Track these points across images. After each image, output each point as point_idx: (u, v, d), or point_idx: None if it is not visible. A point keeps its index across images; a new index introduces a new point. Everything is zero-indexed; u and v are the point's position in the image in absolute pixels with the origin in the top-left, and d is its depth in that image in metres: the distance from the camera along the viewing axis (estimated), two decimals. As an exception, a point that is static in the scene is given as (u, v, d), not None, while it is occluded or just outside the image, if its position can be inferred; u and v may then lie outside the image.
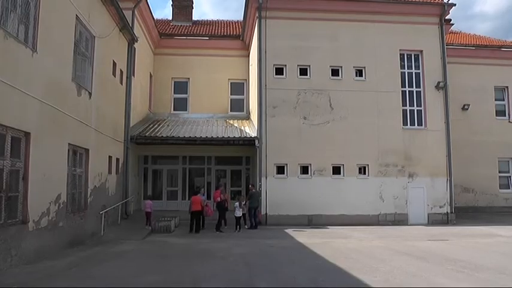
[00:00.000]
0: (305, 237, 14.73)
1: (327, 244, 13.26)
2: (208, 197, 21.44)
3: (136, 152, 20.96)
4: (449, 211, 20.03)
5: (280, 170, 19.18)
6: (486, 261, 10.46)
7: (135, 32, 18.78)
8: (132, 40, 18.75)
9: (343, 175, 19.44)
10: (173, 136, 19.52)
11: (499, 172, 26.56)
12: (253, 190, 18.34)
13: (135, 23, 19.12)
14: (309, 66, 19.75)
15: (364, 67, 20.06)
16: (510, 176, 26.77)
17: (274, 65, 19.59)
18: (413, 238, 14.96)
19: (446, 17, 21.41)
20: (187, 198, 20.95)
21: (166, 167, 23.03)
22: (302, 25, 19.87)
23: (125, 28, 17.66)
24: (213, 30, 25.75)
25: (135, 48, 19.31)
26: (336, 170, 19.44)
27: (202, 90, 23.66)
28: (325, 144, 19.25)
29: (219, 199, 17.16)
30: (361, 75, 20.11)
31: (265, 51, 19.57)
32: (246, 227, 17.45)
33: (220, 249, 12.24)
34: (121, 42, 17.88)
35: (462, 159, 23.03)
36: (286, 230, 16.45)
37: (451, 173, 20.30)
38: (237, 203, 17.29)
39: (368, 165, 19.62)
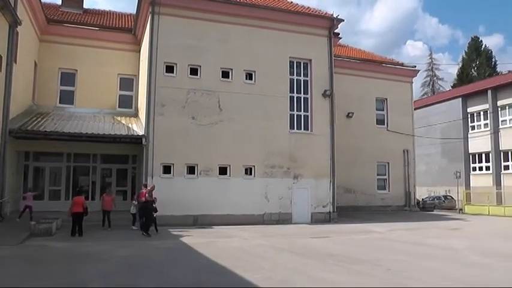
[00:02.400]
0: (190, 237, 14.82)
1: (212, 244, 13.48)
2: (92, 198, 20.96)
3: (16, 147, 19.47)
4: (331, 210, 21.53)
5: (167, 169, 19.05)
6: (362, 255, 11.64)
7: (18, 14, 17.34)
8: (14, 22, 17.26)
9: (230, 175, 19.87)
10: (57, 131, 18.42)
11: (377, 175, 29.64)
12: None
13: (18, 3, 17.67)
14: (200, 66, 19.87)
15: (254, 71, 20.71)
16: (386, 179, 29.64)
17: (164, 62, 19.38)
18: (296, 236, 15.87)
19: (334, 31, 23.00)
20: (71, 198, 19.84)
21: (49, 165, 21.80)
22: (195, 25, 19.94)
23: (6, 8, 16.14)
24: (105, 21, 24.75)
25: (17, 32, 17.89)
26: (223, 171, 19.81)
27: (90, 83, 22.53)
28: (212, 145, 19.51)
29: (143, 199, 16.13)
30: (251, 78, 20.71)
31: (157, 48, 19.30)
32: (134, 227, 16.92)
33: (103, 251, 11.85)
34: (1, 24, 16.45)
35: (345, 162, 24.87)
36: (171, 231, 16.36)
37: (334, 175, 21.81)
38: (135, 202, 17.00)
39: (254, 166, 20.29)
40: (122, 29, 24.17)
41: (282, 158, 20.69)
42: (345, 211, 24.92)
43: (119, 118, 21.84)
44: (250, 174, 20.29)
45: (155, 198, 16.38)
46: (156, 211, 16.18)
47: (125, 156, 22.51)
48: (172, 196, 18.30)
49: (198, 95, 19.64)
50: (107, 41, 23.04)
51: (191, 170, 19.37)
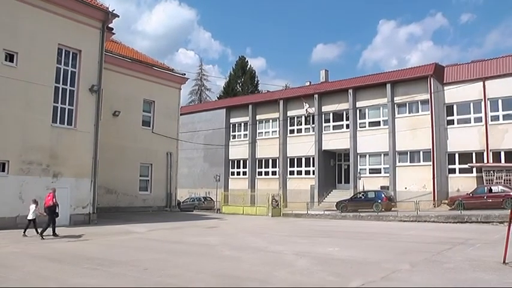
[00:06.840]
0: None
1: None
2: None
3: None
4: (91, 211, 22.42)
5: None
6: (121, 256, 12.31)
7: None
8: None
9: (-22, 172, 18.67)
10: None
11: (140, 176, 32.31)
12: None
13: None
14: None
15: (17, 52, 19.78)
16: (149, 180, 32.15)
17: None
18: (53, 240, 16.05)
19: (108, 25, 24.17)
20: None
21: None
22: None
23: None
24: None
25: None
26: (-31, 166, 18.46)
27: None
28: (-42, 134, 18.08)
29: (51, 203, 16.38)
30: (12, 60, 19.70)
31: None
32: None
33: None
34: None
35: (108, 161, 26.34)
36: None
37: (96, 175, 22.81)
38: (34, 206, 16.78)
39: (9, 161, 19.39)
40: None
41: (41, 154, 20.44)
42: (106, 212, 26.32)
43: None
44: (4, 171, 19.31)
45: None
46: (57, 215, 16.98)
47: None
48: None
49: None
50: None
51: None
